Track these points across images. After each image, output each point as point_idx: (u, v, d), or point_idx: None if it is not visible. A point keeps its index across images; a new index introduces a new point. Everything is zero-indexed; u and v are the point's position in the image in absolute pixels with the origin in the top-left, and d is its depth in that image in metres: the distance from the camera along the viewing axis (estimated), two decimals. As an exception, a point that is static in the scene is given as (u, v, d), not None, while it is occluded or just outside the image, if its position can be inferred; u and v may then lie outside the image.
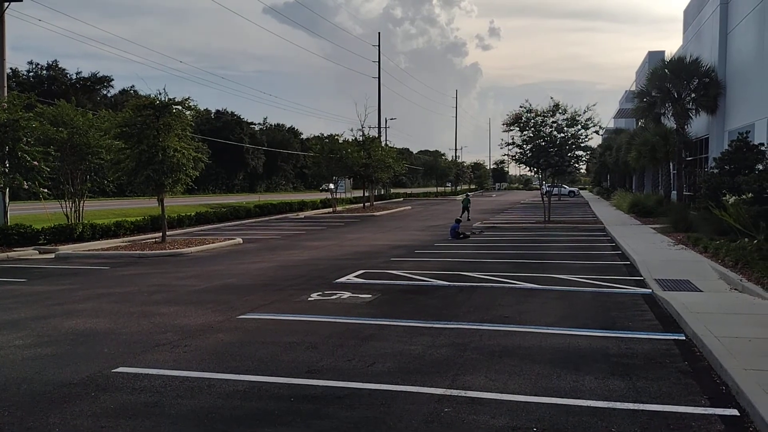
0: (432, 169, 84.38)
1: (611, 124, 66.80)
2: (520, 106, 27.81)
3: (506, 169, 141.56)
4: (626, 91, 54.30)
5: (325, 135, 43.85)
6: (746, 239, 13.59)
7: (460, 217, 28.22)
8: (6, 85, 23.43)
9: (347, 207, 46.37)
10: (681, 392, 5.80)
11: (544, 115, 27.38)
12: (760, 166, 17.19)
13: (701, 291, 10.36)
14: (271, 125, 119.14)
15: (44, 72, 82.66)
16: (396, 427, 5.11)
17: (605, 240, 20.30)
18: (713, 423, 5.08)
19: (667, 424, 5.06)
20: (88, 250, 19.77)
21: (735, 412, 5.27)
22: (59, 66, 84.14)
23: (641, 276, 12.34)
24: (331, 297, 10.94)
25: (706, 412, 5.29)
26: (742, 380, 5.65)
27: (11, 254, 18.77)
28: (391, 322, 8.90)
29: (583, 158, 29.74)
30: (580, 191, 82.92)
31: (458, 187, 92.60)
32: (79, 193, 23.06)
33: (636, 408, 5.41)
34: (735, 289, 10.52)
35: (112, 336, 8.46)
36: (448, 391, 5.91)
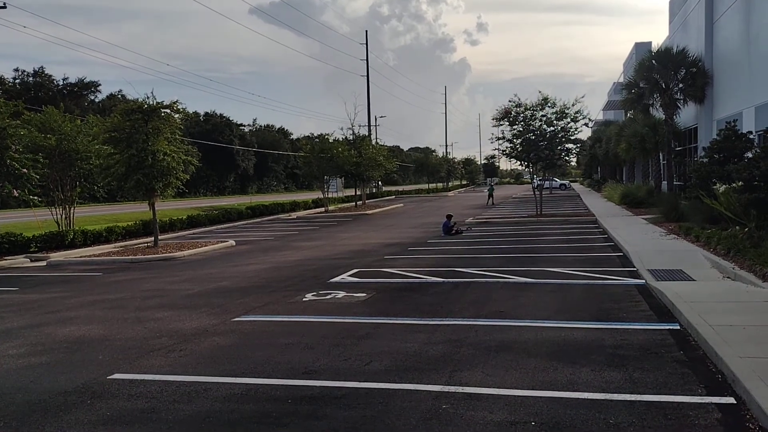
0: (423, 166, 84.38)
1: (600, 116, 67.08)
2: (509, 101, 27.91)
3: (497, 163, 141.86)
4: (614, 83, 54.48)
5: (316, 135, 43.84)
6: (737, 227, 13.66)
7: (486, 202, 36.37)
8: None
9: (339, 206, 46.31)
10: (677, 382, 5.82)
11: (533, 109, 27.44)
12: (750, 154, 17.27)
13: (694, 280, 10.40)
14: (260, 126, 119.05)
15: (30, 79, 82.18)
16: (394, 425, 5.10)
17: (597, 232, 20.36)
18: (710, 411, 5.09)
19: (665, 414, 5.08)
20: (80, 257, 19.66)
21: (731, 400, 5.29)
22: (46, 72, 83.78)
23: (634, 267, 12.38)
24: (326, 297, 10.92)
25: (702, 401, 5.31)
26: (737, 368, 5.66)
27: (2, 263, 18.64)
28: (386, 320, 8.90)
29: (573, 151, 29.84)
30: (571, 184, 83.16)
31: (449, 183, 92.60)
32: (69, 199, 22.93)
33: (633, 399, 5.43)
34: (728, 278, 10.57)
35: (107, 342, 8.42)
36: (446, 388, 5.91)
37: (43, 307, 11.42)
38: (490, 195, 43.82)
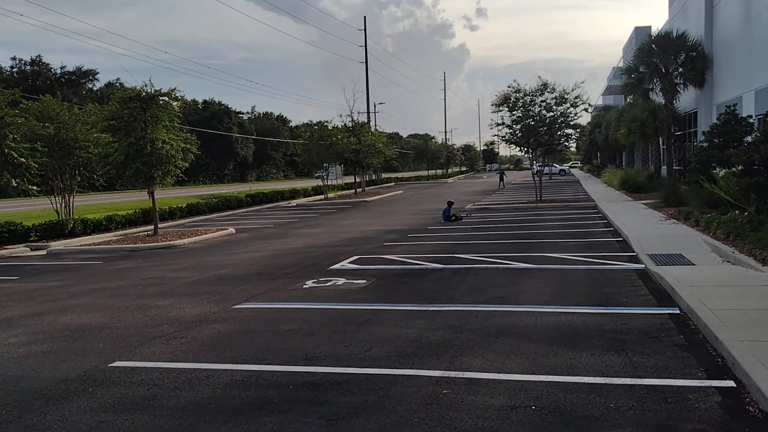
0: (422, 153, 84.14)
1: (600, 102, 66.79)
2: (509, 86, 27.89)
3: (497, 150, 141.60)
4: (614, 68, 54.15)
5: (314, 122, 43.22)
6: (737, 211, 13.66)
7: (498, 185, 41.61)
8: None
9: (339, 193, 46.25)
10: (677, 366, 5.83)
11: (532, 95, 27.38)
12: (749, 138, 17.22)
13: (694, 264, 10.41)
14: (259, 114, 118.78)
15: (28, 67, 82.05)
16: (395, 410, 5.12)
17: (597, 217, 20.35)
18: (710, 395, 5.10)
19: (665, 397, 5.09)
20: (80, 246, 19.67)
21: (731, 383, 5.30)
22: (43, 61, 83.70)
23: (634, 252, 12.38)
24: (326, 284, 10.93)
25: (702, 385, 5.32)
26: (737, 352, 5.67)
27: (2, 252, 18.67)
28: (386, 306, 8.91)
29: (573, 136, 29.82)
30: (571, 169, 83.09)
31: (449, 170, 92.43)
32: (68, 188, 22.91)
33: (633, 383, 5.44)
34: (728, 262, 10.58)
35: (108, 330, 8.43)
36: (446, 373, 5.92)
37: (43, 296, 11.44)
38: (501, 179, 49.22)
